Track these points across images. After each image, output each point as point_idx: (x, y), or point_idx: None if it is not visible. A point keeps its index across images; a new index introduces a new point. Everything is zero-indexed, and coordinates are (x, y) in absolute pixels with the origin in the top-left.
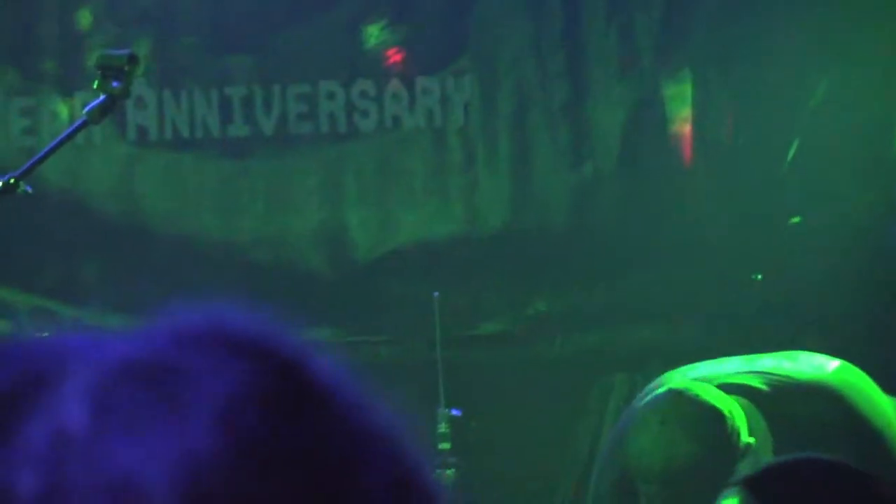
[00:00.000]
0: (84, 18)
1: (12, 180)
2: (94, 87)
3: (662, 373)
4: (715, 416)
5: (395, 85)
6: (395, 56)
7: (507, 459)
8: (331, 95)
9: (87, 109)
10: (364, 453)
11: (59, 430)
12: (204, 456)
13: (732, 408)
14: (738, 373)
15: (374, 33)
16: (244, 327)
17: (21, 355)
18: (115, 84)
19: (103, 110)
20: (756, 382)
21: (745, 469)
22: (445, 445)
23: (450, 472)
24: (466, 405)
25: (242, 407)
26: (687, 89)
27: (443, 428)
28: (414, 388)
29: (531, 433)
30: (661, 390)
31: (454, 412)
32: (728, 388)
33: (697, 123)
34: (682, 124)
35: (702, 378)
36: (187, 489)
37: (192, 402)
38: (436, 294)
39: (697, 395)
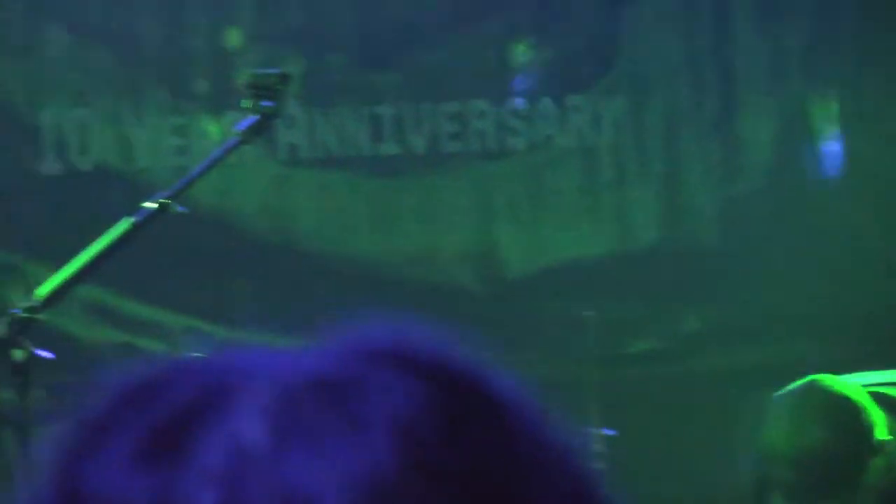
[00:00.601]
0: (234, 37)
1: (165, 200)
2: (246, 106)
3: None
4: (846, 406)
5: (545, 103)
6: (544, 74)
7: (661, 479)
8: (481, 114)
9: (238, 128)
10: (541, 468)
11: (236, 446)
12: (383, 472)
13: (868, 403)
14: (886, 383)
15: (523, 51)
16: (419, 345)
17: (198, 372)
18: (266, 103)
19: (255, 129)
20: None
21: (880, 466)
22: (598, 465)
23: None
24: (619, 424)
25: (421, 422)
26: (835, 104)
27: (596, 448)
28: (566, 408)
29: (685, 452)
30: (797, 383)
31: (607, 432)
32: (873, 396)
33: (846, 138)
34: (831, 139)
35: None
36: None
37: (371, 418)
38: (588, 313)
39: (830, 385)
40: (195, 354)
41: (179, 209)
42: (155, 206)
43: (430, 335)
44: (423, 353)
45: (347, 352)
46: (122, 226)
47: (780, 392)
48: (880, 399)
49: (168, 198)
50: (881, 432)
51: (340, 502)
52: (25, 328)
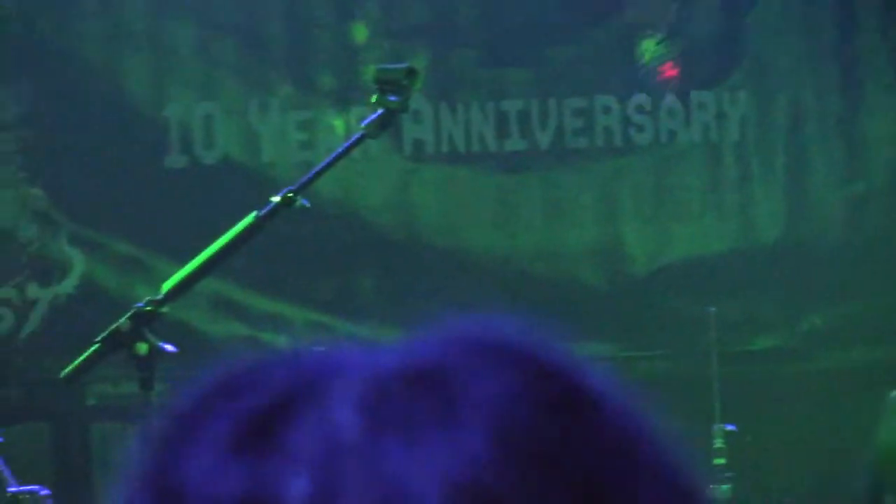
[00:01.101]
0: (359, 32)
1: (290, 194)
2: (372, 101)
3: None
4: None
5: (670, 100)
6: (670, 71)
7: (783, 474)
8: (607, 110)
9: (364, 123)
10: (633, 459)
11: (331, 436)
12: (478, 461)
13: None
14: None
15: (649, 48)
16: (513, 336)
17: (294, 364)
18: (392, 98)
19: (381, 124)
20: None
21: None
22: (721, 461)
23: (725, 487)
24: (742, 420)
25: (515, 412)
26: None
27: (718, 443)
28: (689, 404)
29: (808, 448)
30: None
31: (730, 427)
32: None
33: None
34: None
35: None
36: (461, 495)
37: (465, 408)
38: (712, 309)
39: None
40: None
41: (304, 203)
42: (280, 200)
43: (526, 327)
44: (517, 344)
45: (443, 342)
46: (247, 220)
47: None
48: None
49: (293, 192)
50: None
51: (435, 492)
52: (150, 322)
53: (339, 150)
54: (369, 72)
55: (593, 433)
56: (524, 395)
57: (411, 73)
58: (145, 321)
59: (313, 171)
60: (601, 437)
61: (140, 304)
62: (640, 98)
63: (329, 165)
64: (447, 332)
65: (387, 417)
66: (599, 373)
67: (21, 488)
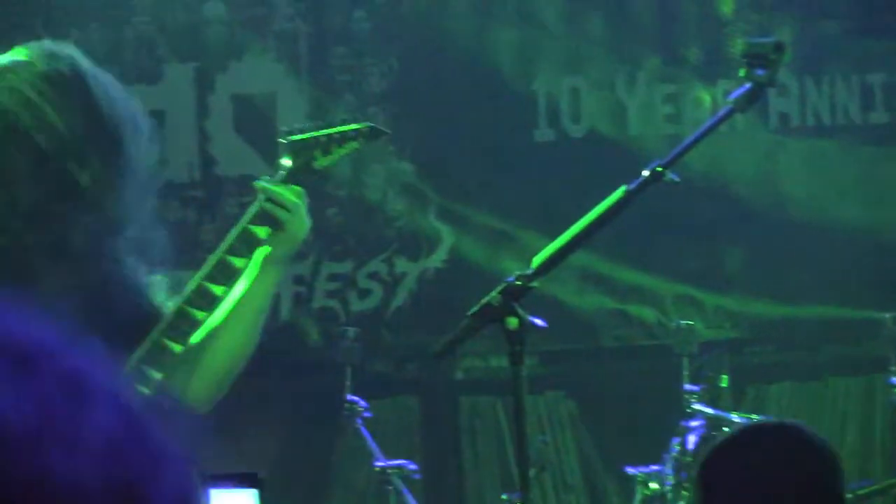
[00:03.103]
0: (726, 6)
1: (659, 168)
2: (740, 75)
3: None
4: None
5: None
6: None
7: None
8: None
9: (732, 97)
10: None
11: None
12: None
13: None
14: None
15: None
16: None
17: None
18: (760, 72)
19: (749, 98)
20: None
21: None
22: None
23: None
24: None
25: None
26: None
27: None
28: None
29: None
30: None
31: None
32: None
33: None
34: None
35: None
36: None
37: None
38: None
39: None
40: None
41: (673, 178)
42: (649, 174)
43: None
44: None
45: None
46: (616, 194)
47: None
48: None
49: (662, 166)
50: None
51: None
52: (520, 296)
53: (708, 123)
54: (737, 45)
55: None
56: None
57: (779, 47)
58: (515, 295)
59: (682, 145)
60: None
61: (510, 279)
62: None
63: (697, 139)
64: None
65: None
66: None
67: (388, 462)
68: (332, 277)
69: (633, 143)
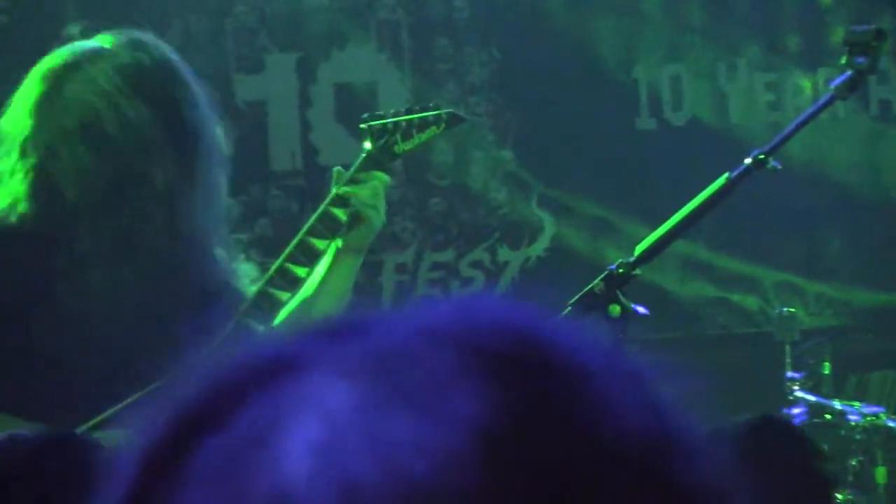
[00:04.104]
0: None
1: (761, 156)
2: (841, 62)
3: None
4: None
5: None
6: None
7: None
8: None
9: (832, 85)
10: (600, 449)
11: (278, 481)
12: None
13: None
14: None
15: None
16: (494, 324)
17: (244, 359)
18: (861, 60)
19: (850, 86)
20: None
21: None
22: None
23: None
24: None
25: (484, 406)
26: None
27: None
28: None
29: None
30: None
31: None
32: None
33: None
34: None
35: None
36: (409, 493)
37: (430, 400)
38: None
39: None
40: (785, 309)
41: (775, 165)
42: (751, 162)
43: (514, 308)
44: (496, 333)
45: (406, 329)
46: (718, 182)
47: None
48: None
49: (764, 154)
50: None
51: (386, 491)
52: (622, 284)
53: (810, 111)
54: (837, 33)
55: (567, 426)
56: (495, 392)
57: (880, 34)
58: (618, 283)
59: (784, 133)
60: (575, 429)
61: (612, 267)
62: None
63: (798, 127)
64: (412, 316)
65: (348, 414)
66: (597, 351)
67: None
68: (435, 266)
69: (735, 132)
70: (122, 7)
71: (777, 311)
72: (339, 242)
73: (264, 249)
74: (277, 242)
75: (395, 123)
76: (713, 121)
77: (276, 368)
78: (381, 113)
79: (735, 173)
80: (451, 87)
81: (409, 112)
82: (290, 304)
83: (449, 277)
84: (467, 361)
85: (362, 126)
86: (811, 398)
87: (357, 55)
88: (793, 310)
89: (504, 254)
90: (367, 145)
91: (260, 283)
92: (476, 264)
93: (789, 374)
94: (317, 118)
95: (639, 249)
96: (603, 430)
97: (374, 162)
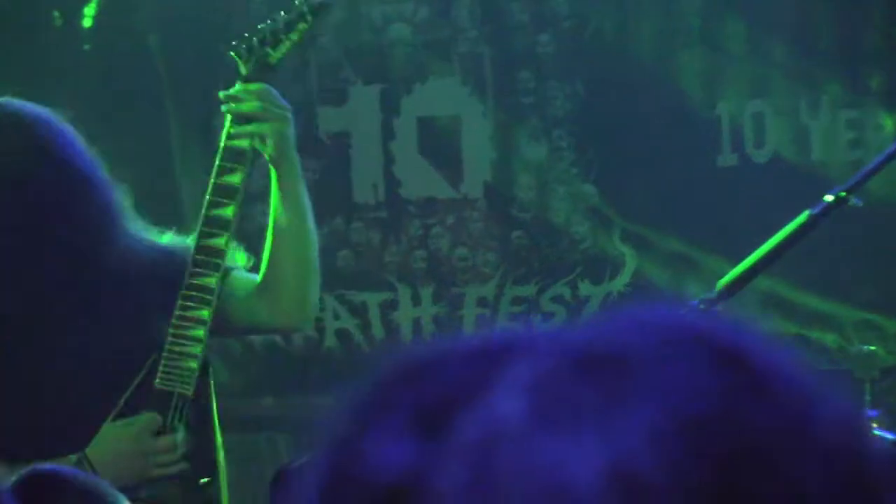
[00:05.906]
0: None
1: (843, 193)
2: None
3: None
4: None
5: None
6: None
7: None
8: None
9: None
10: (802, 445)
11: (493, 424)
12: (637, 454)
13: None
14: None
15: None
16: (698, 323)
17: (472, 348)
18: None
19: None
20: None
21: None
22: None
23: None
24: None
25: (686, 405)
26: None
27: None
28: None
29: None
30: None
31: None
32: None
33: None
34: None
35: None
36: (615, 486)
37: (635, 397)
38: None
39: None
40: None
41: (857, 202)
42: (833, 199)
43: (715, 315)
44: (702, 331)
45: (619, 328)
46: (800, 218)
47: None
48: None
49: (845, 191)
50: None
51: (593, 488)
52: None
53: (891, 149)
54: None
55: (763, 426)
56: (700, 387)
57: None
58: None
59: (865, 170)
60: (771, 425)
61: (695, 303)
62: None
63: (880, 165)
64: (623, 316)
65: (552, 405)
66: (786, 356)
67: None
68: (516, 300)
69: (816, 169)
70: (209, 42)
71: (856, 348)
72: (272, 171)
73: (346, 282)
74: (359, 274)
75: (261, 37)
76: (795, 157)
77: (508, 355)
78: (248, 35)
79: (816, 210)
80: (533, 120)
81: (272, 21)
82: (265, 246)
83: (530, 312)
84: (699, 354)
85: (231, 54)
86: (890, 436)
87: (439, 88)
88: (872, 347)
89: (585, 288)
90: (242, 70)
91: (194, 237)
92: (557, 299)
93: (868, 411)
94: (399, 150)
95: (720, 285)
96: (815, 423)
97: (253, 80)
